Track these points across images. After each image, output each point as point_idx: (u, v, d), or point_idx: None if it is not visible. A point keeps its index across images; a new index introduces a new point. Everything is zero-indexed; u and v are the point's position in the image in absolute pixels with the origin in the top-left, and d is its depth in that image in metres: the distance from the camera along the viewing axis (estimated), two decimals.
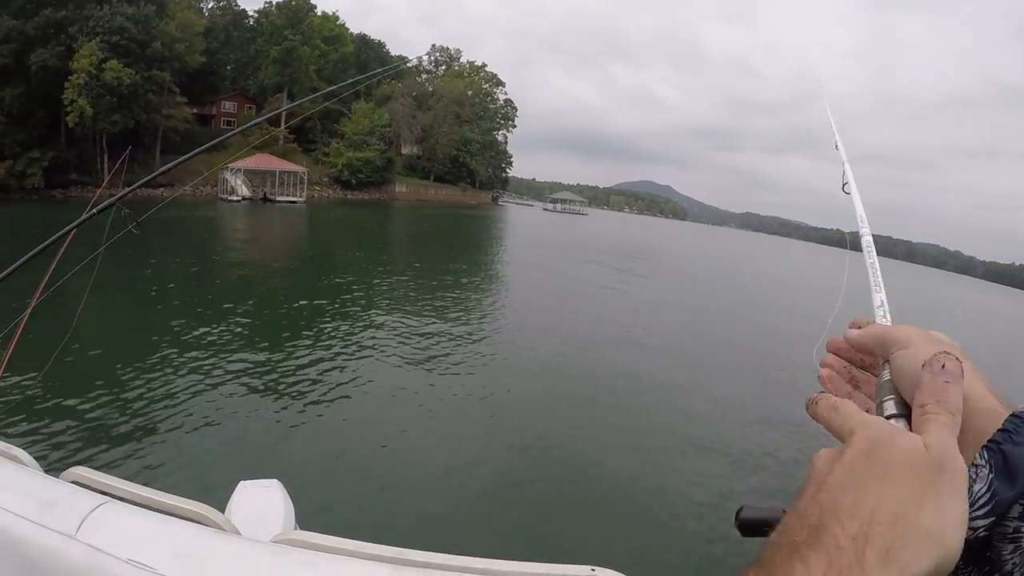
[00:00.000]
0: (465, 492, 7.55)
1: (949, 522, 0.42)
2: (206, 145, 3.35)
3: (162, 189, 41.87)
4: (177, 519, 1.19)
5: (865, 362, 0.66)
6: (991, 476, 0.47)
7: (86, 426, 7.85)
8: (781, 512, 0.64)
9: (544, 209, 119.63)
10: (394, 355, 12.40)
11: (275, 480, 2.10)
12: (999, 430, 0.49)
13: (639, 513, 7.68)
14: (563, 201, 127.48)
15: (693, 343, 17.88)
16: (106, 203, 2.59)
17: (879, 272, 0.90)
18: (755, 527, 0.64)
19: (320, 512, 6.13)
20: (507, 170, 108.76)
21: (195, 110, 51.67)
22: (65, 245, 2.55)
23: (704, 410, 11.76)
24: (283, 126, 60.61)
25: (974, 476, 0.48)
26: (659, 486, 8.45)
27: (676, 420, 11.11)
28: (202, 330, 12.52)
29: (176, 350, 11.11)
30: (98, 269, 2.66)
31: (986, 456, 0.48)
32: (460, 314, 16.78)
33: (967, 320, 38.27)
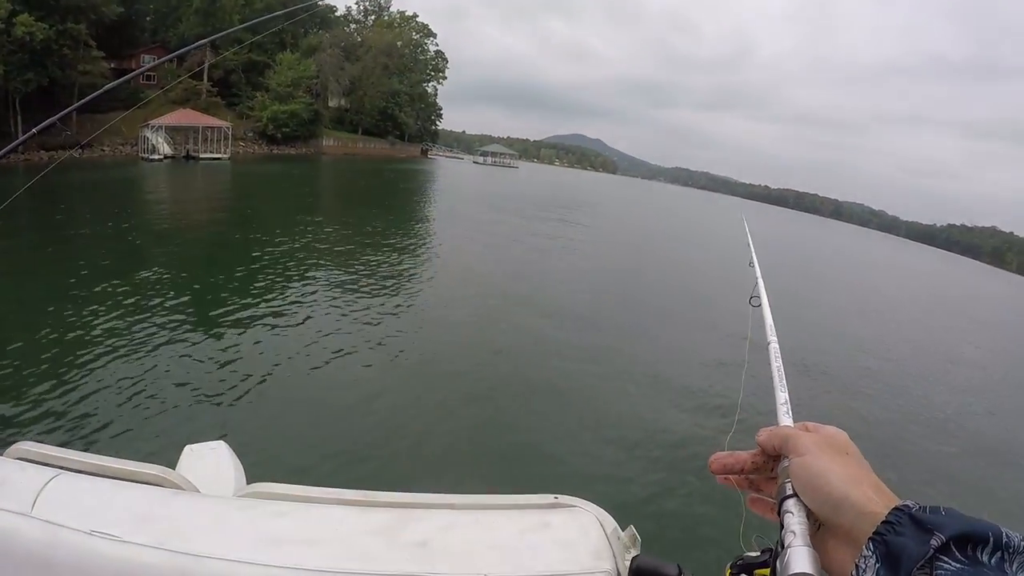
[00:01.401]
0: (415, 436, 7.93)
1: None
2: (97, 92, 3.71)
3: (79, 150, 41.50)
4: (135, 484, 1.18)
5: (758, 464, 0.75)
6: (877, 566, 0.53)
7: (20, 402, 7.67)
8: (676, 567, 0.83)
9: (474, 162, 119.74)
10: (329, 312, 12.75)
11: (221, 441, 2.08)
12: (883, 522, 0.55)
13: (594, 443, 8.43)
14: (493, 154, 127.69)
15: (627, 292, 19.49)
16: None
17: (784, 374, 1.06)
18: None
19: (269, 468, 6.38)
20: (437, 123, 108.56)
21: (113, 65, 50.06)
22: None
23: (647, 351, 13.33)
24: (206, 81, 59.72)
25: (863, 567, 0.54)
26: (608, 416, 9.45)
27: (622, 357, 12.45)
28: (129, 296, 12.31)
29: (103, 318, 10.93)
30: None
31: (872, 547, 0.54)
32: (391, 270, 17.61)
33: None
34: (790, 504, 0.65)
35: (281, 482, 1.21)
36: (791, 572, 0.57)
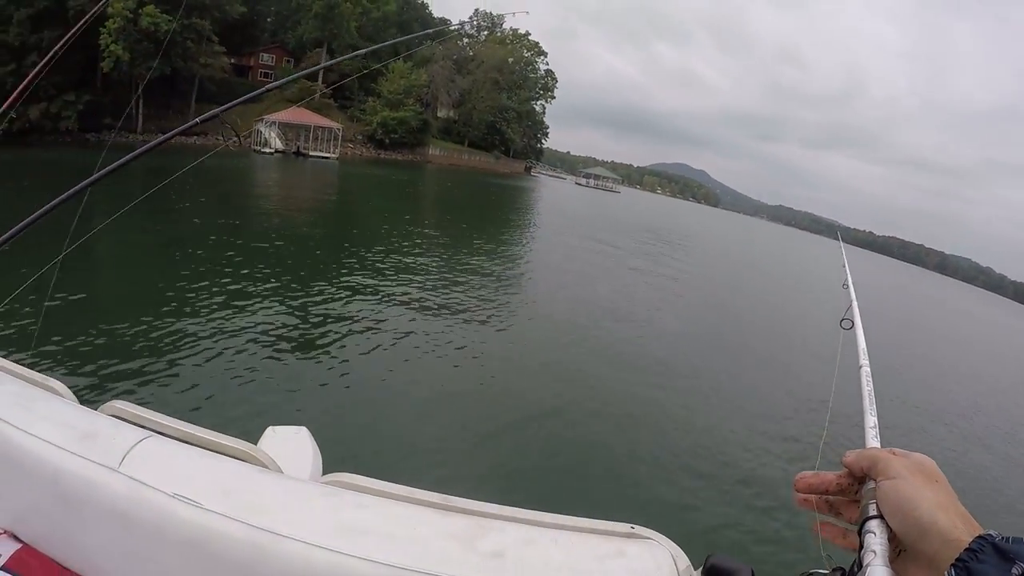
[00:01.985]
0: (496, 447, 7.63)
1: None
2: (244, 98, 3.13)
3: (195, 138, 42.03)
4: (220, 456, 1.17)
5: (842, 485, 0.75)
6: None
7: (119, 364, 7.80)
8: (749, 571, 0.75)
9: (576, 183, 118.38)
10: (422, 313, 12.38)
11: (303, 427, 2.13)
12: (966, 549, 0.56)
13: (673, 475, 7.82)
14: (596, 177, 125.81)
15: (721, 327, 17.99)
16: (130, 157, 2.53)
17: (874, 398, 1.04)
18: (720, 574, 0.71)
19: (345, 461, 5.59)
20: (542, 141, 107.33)
21: (233, 60, 51.16)
22: (86, 197, 2.37)
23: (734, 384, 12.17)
24: (320, 83, 60.33)
25: None
26: (695, 450, 8.68)
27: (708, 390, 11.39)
28: (232, 278, 12.48)
29: (206, 295, 11.12)
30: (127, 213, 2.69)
31: (954, 573, 0.55)
32: (485, 283, 16.53)
33: None
34: (873, 525, 0.66)
35: (360, 475, 1.19)
36: None
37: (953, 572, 0.55)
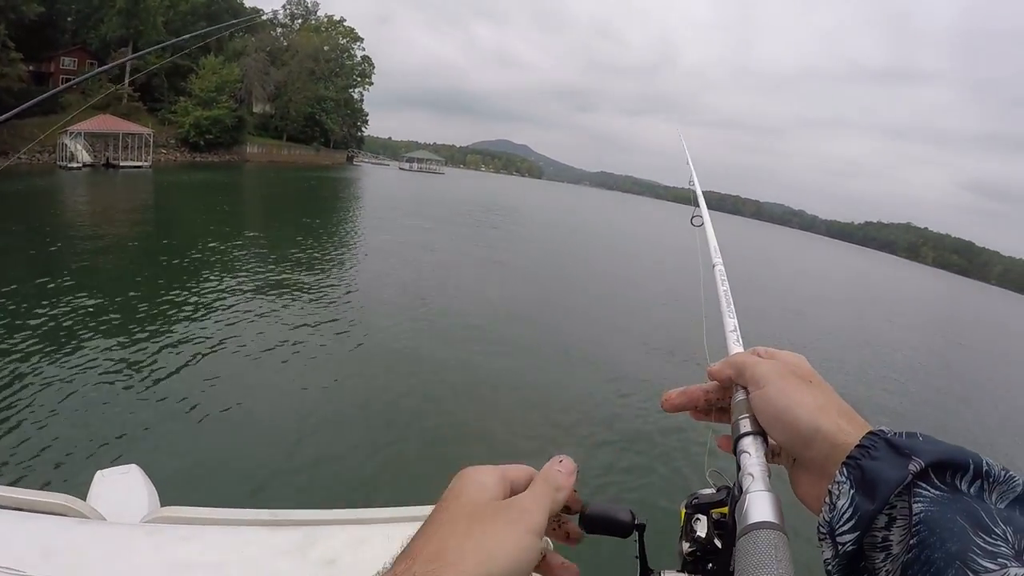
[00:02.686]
0: (329, 451, 7.80)
1: (495, 547, 0.47)
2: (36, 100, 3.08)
3: None
4: (39, 515, 1.13)
5: (711, 400, 0.70)
6: (852, 492, 0.50)
7: None
8: (628, 511, 0.71)
9: (400, 168, 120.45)
10: (250, 330, 12.26)
11: (133, 465, 1.98)
12: (856, 446, 0.52)
13: (506, 443, 8.50)
14: (420, 160, 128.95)
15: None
16: None
17: (731, 300, 0.99)
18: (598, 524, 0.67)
19: (185, 491, 5.60)
20: (363, 129, 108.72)
21: (31, 67, 48.56)
22: None
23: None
24: (127, 82, 58.46)
25: (836, 493, 0.51)
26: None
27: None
28: (41, 311, 11.63)
29: (10, 335, 10.28)
30: None
31: (846, 473, 0.51)
32: (313, 281, 17.38)
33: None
34: (747, 443, 0.61)
35: (194, 505, 1.18)
36: (752, 521, 0.52)
37: (845, 472, 0.51)
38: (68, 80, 55.44)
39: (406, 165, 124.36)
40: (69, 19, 60.64)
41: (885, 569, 0.48)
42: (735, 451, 0.62)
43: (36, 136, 45.33)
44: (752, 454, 0.59)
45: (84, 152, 46.65)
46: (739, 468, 0.60)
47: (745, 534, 0.52)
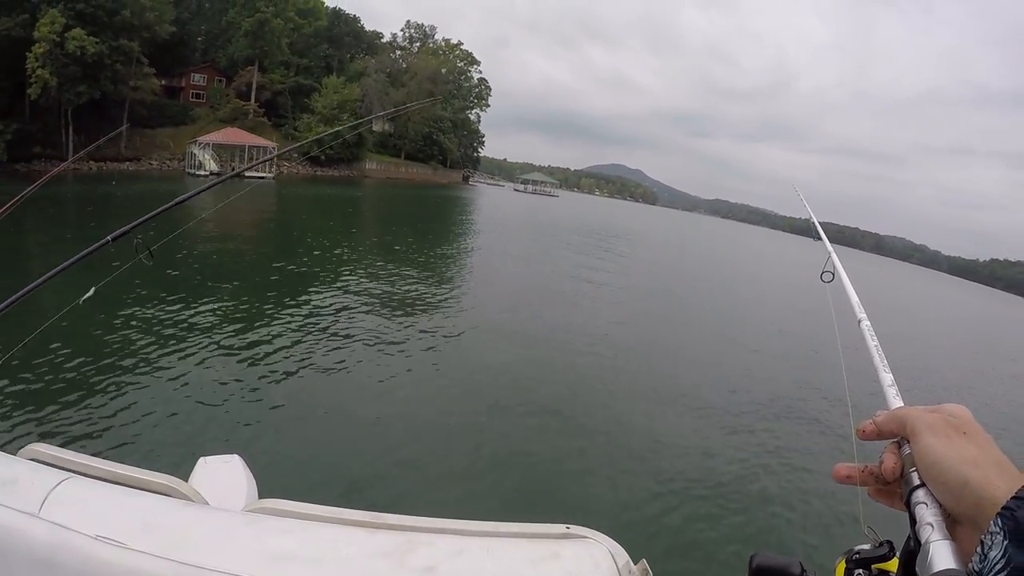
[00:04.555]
0: (437, 461, 7.70)
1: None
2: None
3: (128, 163, 41.68)
4: (144, 492, 1.18)
5: (875, 473, 0.69)
6: (1005, 543, 0.48)
7: (41, 404, 7.65)
8: (799, 564, 0.69)
9: (515, 190, 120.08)
10: (361, 334, 12.41)
11: (235, 455, 2.10)
12: (1013, 497, 0.51)
13: (612, 476, 8.01)
14: (534, 182, 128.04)
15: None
16: (122, 230, 2.48)
17: (883, 355, 0.95)
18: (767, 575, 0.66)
19: (282, 486, 5.77)
20: (479, 149, 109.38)
21: (163, 82, 50.55)
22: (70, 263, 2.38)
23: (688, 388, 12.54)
24: (253, 102, 60.16)
25: (989, 543, 0.49)
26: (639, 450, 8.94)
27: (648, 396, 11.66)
28: (163, 307, 12.21)
29: (134, 326, 10.90)
30: (98, 292, 2.51)
31: (1000, 523, 0.50)
32: (424, 296, 17.02)
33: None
34: (920, 495, 0.60)
35: (291, 499, 1.17)
36: (937, 570, 0.53)
37: (1000, 522, 0.49)
38: (198, 95, 57.64)
39: (521, 187, 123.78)
40: (199, 39, 63.57)
41: None
42: (908, 505, 0.61)
43: (167, 144, 47.48)
44: (928, 505, 0.59)
45: (211, 161, 47.97)
46: (913, 520, 0.59)
47: None
